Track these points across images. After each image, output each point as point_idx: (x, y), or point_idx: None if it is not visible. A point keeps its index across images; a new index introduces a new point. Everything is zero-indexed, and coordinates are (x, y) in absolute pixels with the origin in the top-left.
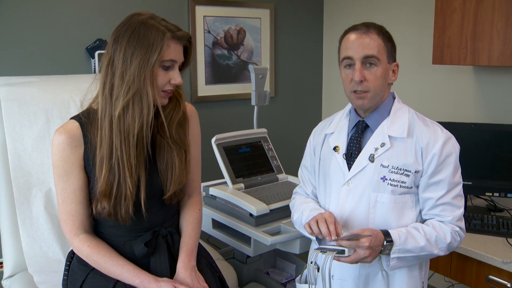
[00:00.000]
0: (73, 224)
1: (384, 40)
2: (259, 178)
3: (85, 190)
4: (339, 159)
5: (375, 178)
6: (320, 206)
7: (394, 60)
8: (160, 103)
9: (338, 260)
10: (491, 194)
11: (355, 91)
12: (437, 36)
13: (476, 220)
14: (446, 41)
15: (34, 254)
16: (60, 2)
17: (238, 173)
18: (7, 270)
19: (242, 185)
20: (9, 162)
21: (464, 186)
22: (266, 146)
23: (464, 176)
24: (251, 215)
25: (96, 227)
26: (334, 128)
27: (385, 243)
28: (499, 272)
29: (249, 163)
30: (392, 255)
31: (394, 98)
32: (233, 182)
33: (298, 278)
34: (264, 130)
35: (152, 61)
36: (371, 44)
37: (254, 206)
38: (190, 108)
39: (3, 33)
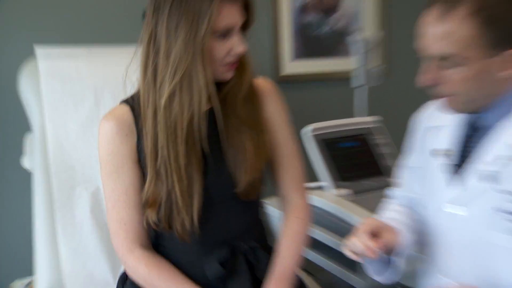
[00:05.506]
0: (126, 236)
1: (481, 24)
2: (368, 182)
3: (140, 190)
4: (440, 169)
5: (490, 208)
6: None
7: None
8: (224, 79)
9: None
10: None
11: None
12: None
13: None
14: None
15: (75, 272)
16: None
17: (342, 175)
18: None
19: (348, 191)
20: (49, 154)
21: None
22: (377, 140)
23: None
24: None
25: (157, 239)
26: (437, 120)
27: None
28: None
29: (356, 162)
30: None
31: None
32: (336, 187)
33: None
34: (375, 118)
35: (201, 33)
36: (449, 37)
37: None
38: (264, 84)
39: None
